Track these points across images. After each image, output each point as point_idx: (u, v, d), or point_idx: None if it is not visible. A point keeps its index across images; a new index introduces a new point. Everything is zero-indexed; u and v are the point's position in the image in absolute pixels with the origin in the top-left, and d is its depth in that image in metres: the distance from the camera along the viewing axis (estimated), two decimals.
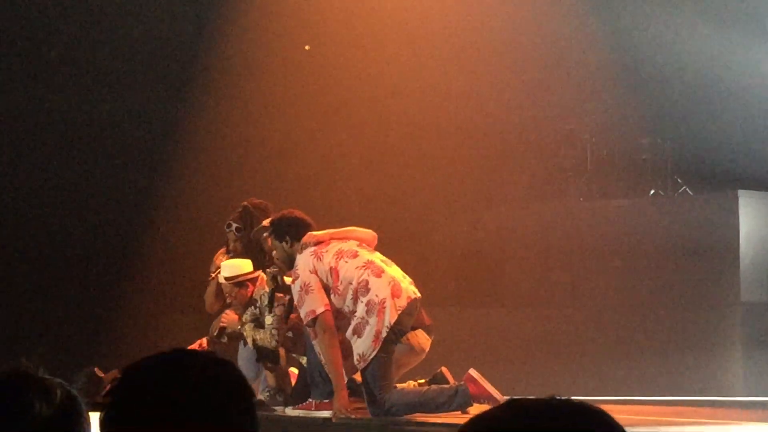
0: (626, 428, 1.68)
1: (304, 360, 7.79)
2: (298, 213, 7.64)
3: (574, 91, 12.45)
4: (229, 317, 8.16)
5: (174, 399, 1.90)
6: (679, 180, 12.36)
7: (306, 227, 7.48)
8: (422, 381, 7.67)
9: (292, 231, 7.46)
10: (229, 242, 8.41)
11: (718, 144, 11.99)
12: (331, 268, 7.27)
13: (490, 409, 1.62)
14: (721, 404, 9.52)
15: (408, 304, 7.27)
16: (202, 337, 8.51)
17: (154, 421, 1.89)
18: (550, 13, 11.98)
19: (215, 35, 11.73)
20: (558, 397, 1.62)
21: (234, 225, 8.33)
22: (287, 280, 7.76)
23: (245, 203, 8.45)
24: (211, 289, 8.49)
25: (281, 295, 7.97)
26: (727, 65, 11.94)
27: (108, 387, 1.98)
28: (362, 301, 7.24)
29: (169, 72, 11.79)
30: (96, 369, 7.42)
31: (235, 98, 11.87)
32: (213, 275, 8.40)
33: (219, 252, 8.55)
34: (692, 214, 11.49)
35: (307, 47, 12.19)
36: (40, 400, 2.38)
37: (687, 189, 12.29)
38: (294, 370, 8.21)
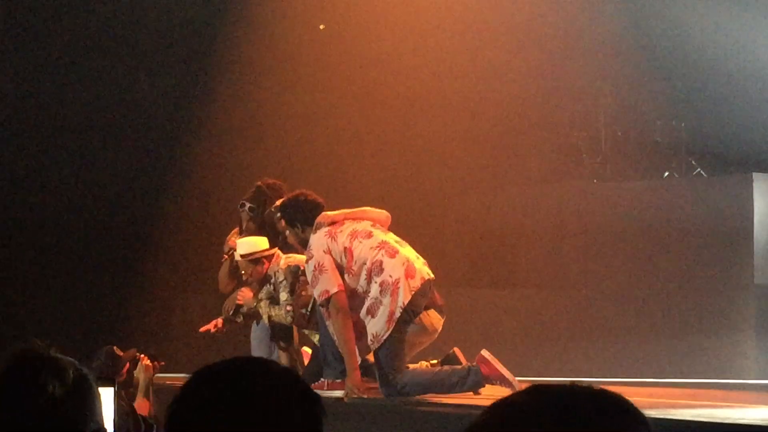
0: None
1: (316, 338, 7.80)
2: (309, 194, 7.63)
3: (588, 72, 12.41)
4: (244, 294, 8.18)
5: (241, 408, 1.88)
6: (693, 162, 12.33)
7: (317, 208, 7.48)
8: (435, 361, 7.67)
9: (303, 215, 7.46)
10: (242, 222, 8.42)
11: (732, 126, 11.95)
12: (345, 248, 7.27)
13: (512, 394, 1.62)
14: (735, 387, 9.52)
15: (422, 284, 7.28)
16: (217, 316, 8.52)
17: (219, 426, 1.88)
18: None
19: (230, 16, 11.71)
20: (579, 383, 1.62)
21: (247, 204, 8.34)
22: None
23: (259, 183, 8.46)
24: (224, 269, 8.51)
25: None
26: (743, 47, 11.89)
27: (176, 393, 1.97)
28: (376, 282, 7.24)
29: (183, 50, 11.78)
30: (114, 348, 7.46)
31: (249, 78, 11.85)
32: (226, 256, 8.41)
33: (232, 232, 8.56)
34: (706, 197, 11.46)
35: (322, 27, 12.16)
36: (53, 380, 2.39)
37: (701, 171, 12.26)
38: (307, 350, 8.23)
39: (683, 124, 12.44)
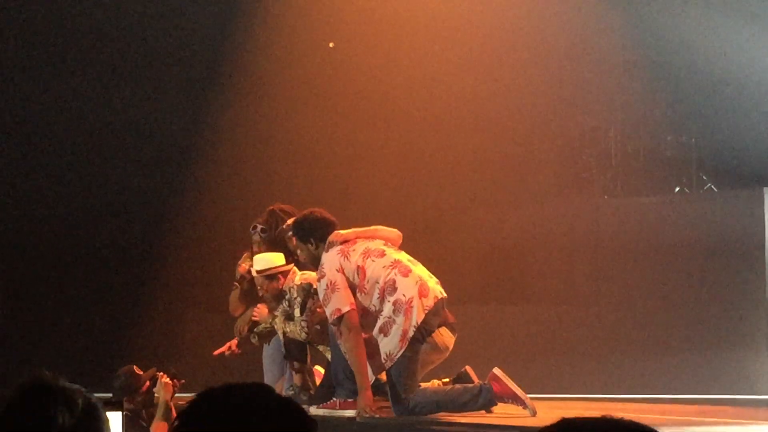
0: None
1: (329, 354, 7.80)
2: (320, 212, 7.65)
3: (598, 87, 12.40)
4: (260, 311, 8.19)
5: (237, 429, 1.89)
6: (704, 177, 12.30)
7: (330, 226, 7.49)
8: (446, 380, 7.67)
9: (316, 233, 7.47)
10: (253, 246, 8.42)
11: (743, 141, 11.92)
12: (358, 267, 7.28)
13: (541, 429, 1.61)
14: (747, 403, 9.48)
15: (435, 303, 7.29)
16: (230, 335, 8.53)
17: None
18: (575, 8, 11.94)
19: (238, 33, 11.73)
20: (609, 417, 1.60)
21: (259, 226, 8.35)
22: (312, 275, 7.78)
23: (272, 207, 8.47)
24: (235, 293, 8.52)
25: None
26: (754, 61, 11.87)
27: (180, 407, 1.99)
28: (389, 300, 7.25)
29: (193, 70, 11.80)
30: (135, 367, 7.50)
31: (259, 96, 11.87)
32: (237, 283, 8.42)
33: (243, 257, 8.57)
34: (717, 212, 11.43)
35: (331, 44, 12.18)
36: (63, 411, 2.39)
37: (712, 186, 12.23)
38: (319, 369, 8.22)
39: (694, 139, 12.42)
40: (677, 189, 12.36)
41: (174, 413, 7.38)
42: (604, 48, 12.13)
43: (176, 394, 7.39)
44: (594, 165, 12.62)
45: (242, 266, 8.42)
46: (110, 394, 7.11)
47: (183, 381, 7.42)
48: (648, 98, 12.32)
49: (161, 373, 7.35)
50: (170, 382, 7.32)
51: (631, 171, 12.52)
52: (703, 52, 11.82)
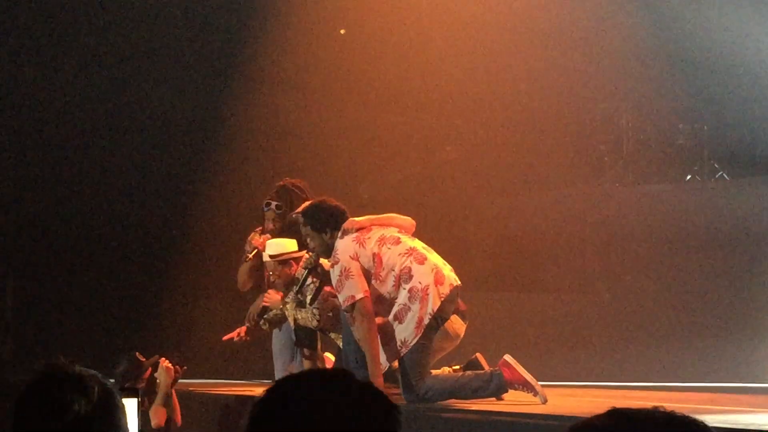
0: None
1: (340, 342, 7.81)
2: (332, 201, 7.65)
3: (610, 75, 12.38)
4: (271, 297, 8.18)
5: (321, 422, 1.88)
6: (716, 165, 12.28)
7: (343, 215, 7.50)
8: (457, 367, 7.68)
9: (330, 221, 7.47)
10: (265, 222, 8.38)
11: (755, 129, 11.90)
12: (374, 254, 7.29)
13: (592, 418, 1.60)
14: (759, 391, 9.47)
15: (450, 291, 7.31)
16: (239, 322, 8.54)
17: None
18: None
19: (249, 20, 11.73)
20: (662, 408, 1.59)
21: (273, 203, 8.30)
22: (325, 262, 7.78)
23: (282, 182, 8.44)
24: (244, 268, 8.49)
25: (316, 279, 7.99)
26: (766, 48, 11.83)
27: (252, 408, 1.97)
28: (404, 288, 7.26)
29: (204, 58, 11.80)
30: (137, 353, 7.52)
31: (270, 83, 11.86)
32: (249, 256, 8.37)
33: (254, 232, 8.53)
34: (729, 200, 11.42)
35: (342, 31, 12.17)
36: (79, 398, 2.40)
37: (724, 174, 12.21)
38: (329, 356, 8.24)
39: (705, 127, 12.40)
40: (689, 177, 12.34)
41: (175, 399, 7.42)
42: (617, 36, 12.11)
43: (179, 380, 7.43)
44: (606, 153, 12.61)
45: (255, 240, 8.36)
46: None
47: (185, 368, 7.45)
48: (660, 86, 12.30)
49: (163, 359, 7.37)
50: (171, 367, 7.35)
51: (643, 159, 12.50)
52: (716, 40, 11.79)
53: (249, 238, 8.54)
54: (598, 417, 1.58)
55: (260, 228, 8.47)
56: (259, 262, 8.30)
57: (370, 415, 1.91)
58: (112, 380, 2.55)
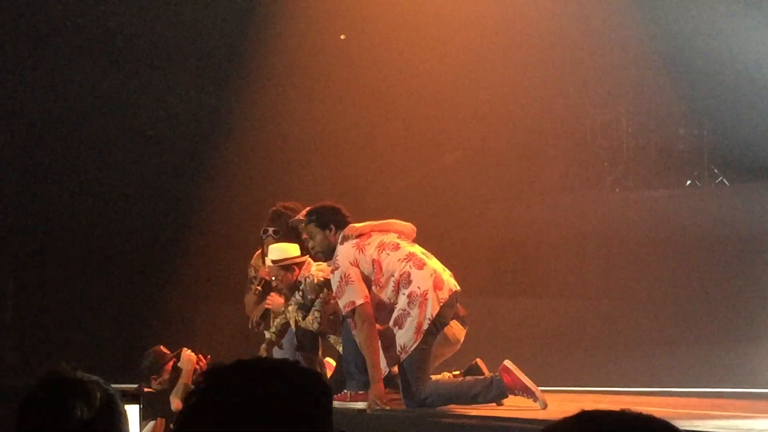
0: None
1: (340, 346, 7.83)
2: (337, 203, 7.71)
3: (610, 80, 12.40)
4: (274, 299, 8.21)
5: (256, 405, 1.88)
6: (716, 170, 12.29)
7: (346, 217, 7.54)
8: (457, 372, 7.69)
9: (335, 219, 7.51)
10: (265, 247, 8.41)
11: (755, 134, 11.90)
12: (373, 260, 7.32)
13: (560, 422, 1.62)
14: (758, 396, 9.47)
15: (449, 296, 7.32)
16: (240, 329, 8.57)
17: (233, 426, 1.87)
18: (587, 1, 11.93)
19: (250, 26, 11.74)
20: (629, 411, 1.61)
21: (270, 229, 8.33)
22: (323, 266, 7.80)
23: (275, 208, 8.45)
24: (251, 298, 8.53)
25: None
26: (766, 54, 11.84)
27: (192, 383, 1.98)
28: (404, 293, 7.28)
29: (206, 64, 11.82)
30: (162, 347, 7.68)
31: (271, 89, 11.88)
32: (258, 288, 8.39)
33: (255, 256, 8.58)
34: (729, 205, 11.43)
35: (342, 36, 12.18)
36: (81, 404, 2.41)
37: (724, 180, 12.22)
38: (330, 361, 8.25)
39: (706, 133, 12.40)
40: (689, 182, 12.35)
41: (188, 383, 7.48)
42: (617, 41, 12.12)
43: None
44: (606, 158, 12.62)
45: (263, 270, 8.39)
46: (126, 385, 7.17)
47: (209, 357, 7.53)
48: (660, 92, 12.31)
49: (185, 348, 7.48)
50: (194, 355, 7.44)
51: (643, 164, 12.51)
52: (716, 45, 11.80)
53: (252, 263, 8.57)
54: (567, 420, 1.60)
55: (260, 251, 8.50)
56: (266, 291, 8.35)
57: (298, 390, 1.91)
58: (115, 386, 2.57)
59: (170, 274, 11.42)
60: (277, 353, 8.55)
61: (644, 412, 1.61)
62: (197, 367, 7.59)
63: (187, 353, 7.55)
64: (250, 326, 8.44)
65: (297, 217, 7.88)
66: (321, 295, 7.91)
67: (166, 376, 7.53)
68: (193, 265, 11.48)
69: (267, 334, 8.30)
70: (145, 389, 7.52)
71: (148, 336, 10.40)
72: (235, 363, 1.96)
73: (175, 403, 7.38)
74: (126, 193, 11.54)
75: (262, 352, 8.27)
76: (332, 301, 7.84)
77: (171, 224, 11.61)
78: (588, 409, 1.62)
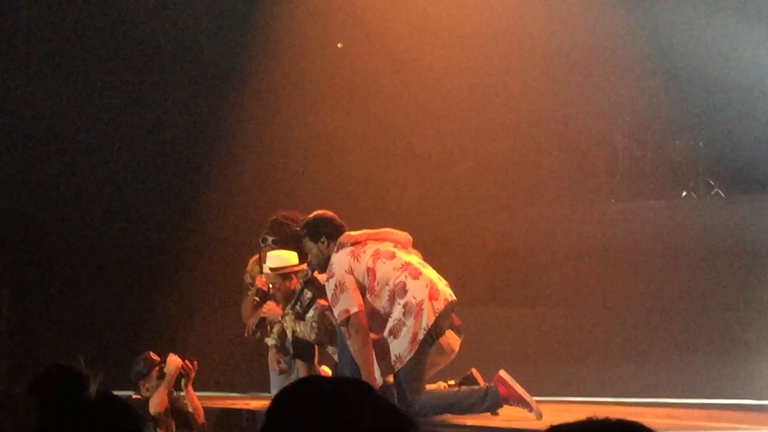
0: None
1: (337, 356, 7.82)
2: (329, 213, 7.68)
3: (606, 91, 12.40)
4: (270, 307, 8.19)
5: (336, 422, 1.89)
6: (711, 182, 12.30)
7: (340, 227, 7.53)
8: (452, 382, 7.68)
9: (327, 230, 7.50)
10: (262, 254, 8.40)
11: (751, 146, 11.91)
12: (368, 269, 7.30)
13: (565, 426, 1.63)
14: (752, 408, 9.47)
15: (445, 306, 7.31)
16: (235, 335, 8.57)
17: None
18: (583, 12, 11.94)
19: (247, 34, 11.75)
20: (595, 418, 1.63)
21: (270, 238, 8.32)
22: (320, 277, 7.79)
23: (274, 216, 8.45)
24: (248, 304, 8.52)
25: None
26: (762, 65, 11.86)
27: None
28: (399, 303, 7.26)
29: (202, 71, 11.82)
30: (151, 353, 7.71)
31: (267, 97, 11.88)
32: (256, 299, 8.37)
33: (252, 262, 8.57)
34: (724, 216, 11.43)
35: (339, 45, 12.19)
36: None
37: (719, 191, 12.22)
38: (326, 369, 8.23)
39: (701, 144, 12.41)
40: (684, 194, 12.35)
41: (194, 398, 7.51)
42: (613, 52, 12.13)
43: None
44: (601, 169, 12.61)
45: (260, 279, 8.38)
46: (120, 392, 7.17)
47: (195, 362, 7.55)
48: (656, 102, 12.32)
49: (172, 354, 7.51)
50: (179, 360, 7.47)
51: (639, 175, 12.51)
52: (712, 56, 11.82)
53: (248, 270, 8.57)
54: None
55: (257, 257, 8.50)
56: (263, 300, 8.34)
57: (388, 426, 1.91)
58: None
59: (165, 281, 11.41)
60: (272, 360, 8.54)
61: (611, 417, 1.63)
62: (184, 372, 7.62)
63: (172, 358, 7.56)
64: (246, 334, 8.44)
65: (297, 228, 7.89)
66: (320, 301, 7.90)
67: (153, 383, 7.55)
68: (188, 272, 11.46)
69: (269, 341, 8.28)
70: (134, 396, 7.53)
71: (142, 342, 10.38)
72: (318, 377, 2.01)
73: (153, 407, 7.38)
74: (121, 200, 11.53)
75: (272, 358, 8.28)
76: (329, 312, 7.83)
77: (166, 230, 11.60)
78: (557, 424, 1.64)
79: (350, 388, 1.95)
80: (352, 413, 1.89)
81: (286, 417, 1.92)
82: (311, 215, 7.74)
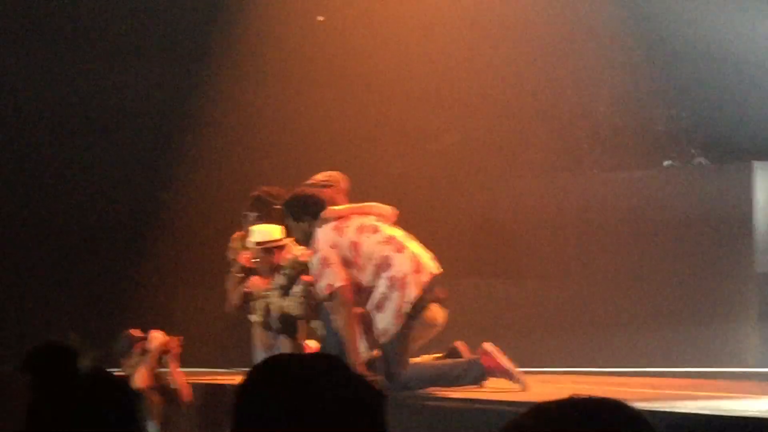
0: (642, 402, 1.70)
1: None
2: (310, 190, 7.65)
3: (587, 62, 12.39)
4: (255, 282, 8.19)
5: (304, 404, 1.88)
6: (693, 151, 12.32)
7: (321, 204, 7.50)
8: (438, 355, 7.69)
9: (308, 210, 7.48)
10: (244, 229, 8.38)
11: (733, 115, 11.92)
12: (352, 243, 7.29)
13: (518, 419, 1.65)
14: (737, 376, 9.52)
15: (429, 279, 7.30)
16: (219, 313, 8.56)
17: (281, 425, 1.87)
18: None
19: (226, 9, 11.67)
20: (577, 396, 1.65)
21: (251, 215, 8.30)
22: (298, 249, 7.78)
23: (256, 192, 8.42)
24: (232, 281, 8.49)
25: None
26: (743, 35, 11.86)
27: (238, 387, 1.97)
28: (384, 277, 7.26)
29: (178, 47, 11.74)
30: (131, 331, 7.70)
31: (246, 72, 11.82)
32: (239, 276, 8.35)
33: (234, 238, 8.54)
34: (707, 186, 11.45)
35: (320, 18, 12.12)
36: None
37: (702, 160, 12.24)
38: (310, 344, 8.23)
39: (683, 113, 12.42)
40: (666, 163, 12.37)
41: (178, 374, 7.49)
42: (595, 22, 12.11)
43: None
44: (584, 139, 12.61)
45: (242, 256, 8.36)
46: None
47: (181, 337, 7.53)
48: (637, 72, 12.31)
49: (154, 330, 7.50)
50: (162, 336, 7.46)
51: (621, 145, 12.52)
52: (693, 26, 11.81)
53: (231, 246, 8.54)
54: (522, 417, 1.64)
55: (239, 233, 8.47)
56: (248, 276, 8.33)
57: (356, 399, 1.91)
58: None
59: (149, 259, 11.38)
60: (255, 335, 8.54)
61: (593, 394, 1.65)
62: (166, 349, 7.61)
63: (154, 335, 7.55)
64: (226, 309, 8.42)
65: (278, 207, 7.87)
66: (304, 277, 7.89)
67: (135, 360, 7.54)
68: (172, 249, 11.44)
69: (253, 318, 8.27)
70: (116, 374, 7.51)
71: (125, 321, 10.37)
72: (285, 356, 1.99)
73: (135, 383, 7.37)
74: (101, 178, 11.48)
75: (255, 334, 8.27)
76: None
77: (147, 208, 11.56)
78: (540, 402, 1.66)
79: (317, 363, 1.94)
80: (318, 386, 1.87)
81: (254, 397, 1.91)
82: (291, 194, 7.71)
